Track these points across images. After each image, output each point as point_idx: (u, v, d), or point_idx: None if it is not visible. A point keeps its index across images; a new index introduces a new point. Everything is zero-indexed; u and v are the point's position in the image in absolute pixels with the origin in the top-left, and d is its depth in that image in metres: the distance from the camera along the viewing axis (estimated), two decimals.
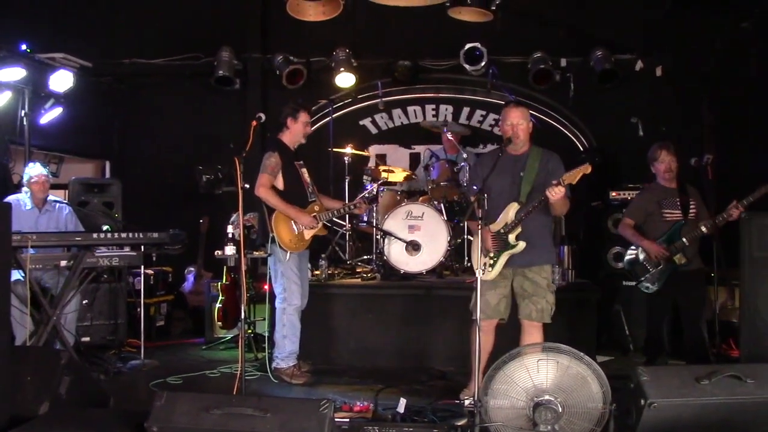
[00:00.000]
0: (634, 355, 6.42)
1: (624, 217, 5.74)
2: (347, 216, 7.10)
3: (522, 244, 4.67)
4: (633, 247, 5.69)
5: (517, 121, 4.76)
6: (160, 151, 8.63)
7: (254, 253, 5.19)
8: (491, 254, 4.64)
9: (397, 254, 6.48)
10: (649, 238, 5.52)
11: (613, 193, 7.05)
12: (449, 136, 7.42)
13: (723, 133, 7.52)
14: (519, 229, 4.68)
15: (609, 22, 8.06)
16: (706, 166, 5.31)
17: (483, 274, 4.68)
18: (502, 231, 4.69)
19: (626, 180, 7.13)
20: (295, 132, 5.75)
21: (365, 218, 7.06)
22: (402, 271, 6.49)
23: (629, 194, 6.92)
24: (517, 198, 4.73)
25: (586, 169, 4.41)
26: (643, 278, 5.57)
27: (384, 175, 7.17)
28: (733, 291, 6.35)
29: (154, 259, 7.02)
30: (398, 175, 7.39)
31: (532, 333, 4.81)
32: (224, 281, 6.96)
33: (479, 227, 4.38)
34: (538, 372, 3.79)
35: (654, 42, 7.96)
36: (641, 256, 5.56)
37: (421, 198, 7.16)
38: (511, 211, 4.70)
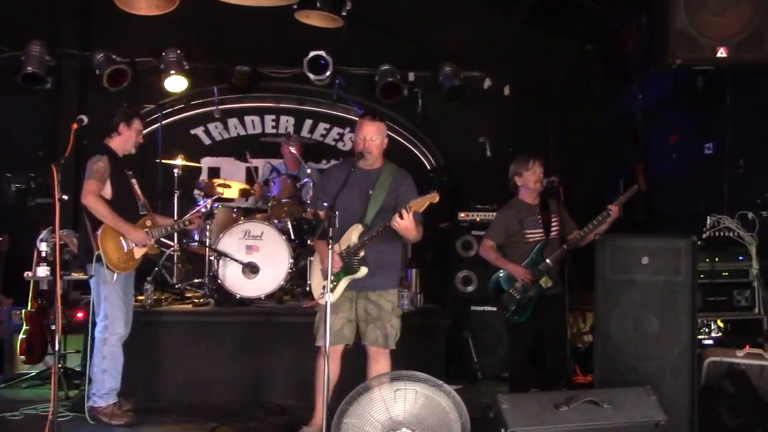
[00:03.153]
0: (483, 384, 6.60)
1: (484, 238, 5.66)
2: (176, 235, 6.85)
3: (364, 270, 4.69)
4: (499, 273, 5.54)
5: (371, 136, 4.77)
6: None
7: (72, 274, 4.84)
8: (333, 277, 4.62)
9: (232, 277, 6.34)
10: (513, 260, 5.47)
11: (462, 215, 7.23)
12: (292, 149, 7.36)
13: (569, 156, 7.95)
14: (362, 253, 4.68)
15: (458, 37, 8.32)
16: (557, 188, 5.52)
17: (322, 297, 4.67)
18: (344, 253, 4.67)
19: (475, 201, 7.35)
20: (127, 139, 5.46)
21: (197, 237, 6.85)
22: (238, 296, 6.35)
23: (478, 216, 7.16)
24: (362, 219, 4.73)
25: (434, 198, 4.47)
26: (511, 307, 5.44)
27: (219, 189, 7.00)
28: (583, 315, 6.71)
29: None
30: (234, 190, 7.23)
31: (380, 361, 4.83)
32: (29, 308, 6.44)
33: (329, 248, 4.34)
34: (395, 402, 3.78)
35: (502, 60, 8.31)
36: (505, 283, 5.48)
37: (259, 215, 7.06)
38: (354, 233, 4.70)
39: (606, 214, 5.28)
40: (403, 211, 4.47)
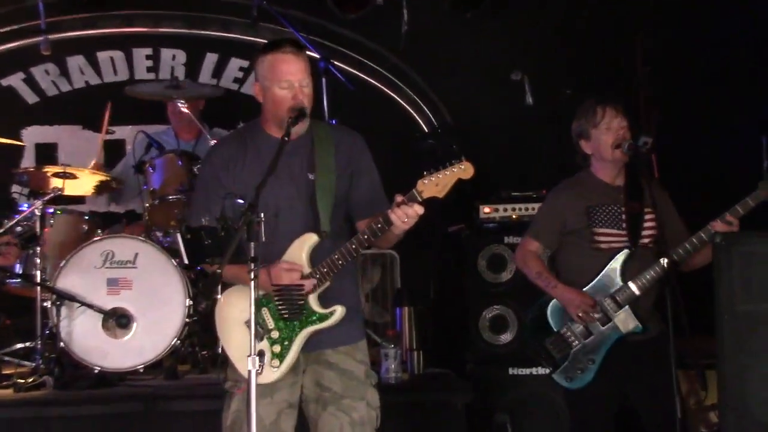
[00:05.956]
0: None
1: (525, 236, 5.70)
2: None
3: (340, 311, 4.66)
4: (546, 300, 5.55)
5: (301, 79, 4.69)
6: None
7: None
8: (278, 332, 4.62)
9: (86, 336, 6.42)
10: (569, 280, 5.49)
11: (486, 210, 7.18)
12: (183, 107, 7.38)
13: (669, 101, 7.98)
14: (327, 283, 4.69)
15: None
16: (647, 154, 5.47)
17: (261, 372, 4.67)
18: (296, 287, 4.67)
19: (507, 185, 7.33)
20: None
21: (19, 270, 6.87)
22: (97, 370, 6.41)
23: (514, 210, 7.13)
24: (315, 224, 4.71)
25: (466, 172, 4.40)
26: (561, 362, 5.48)
27: (55, 183, 7.01)
28: (702, 376, 6.72)
29: None
30: (85, 183, 7.26)
31: None
32: None
33: (268, 275, 4.35)
34: None
35: None
36: (555, 317, 5.49)
37: (129, 226, 7.08)
38: (306, 247, 4.70)
39: (741, 208, 5.26)
40: (409, 198, 4.39)
